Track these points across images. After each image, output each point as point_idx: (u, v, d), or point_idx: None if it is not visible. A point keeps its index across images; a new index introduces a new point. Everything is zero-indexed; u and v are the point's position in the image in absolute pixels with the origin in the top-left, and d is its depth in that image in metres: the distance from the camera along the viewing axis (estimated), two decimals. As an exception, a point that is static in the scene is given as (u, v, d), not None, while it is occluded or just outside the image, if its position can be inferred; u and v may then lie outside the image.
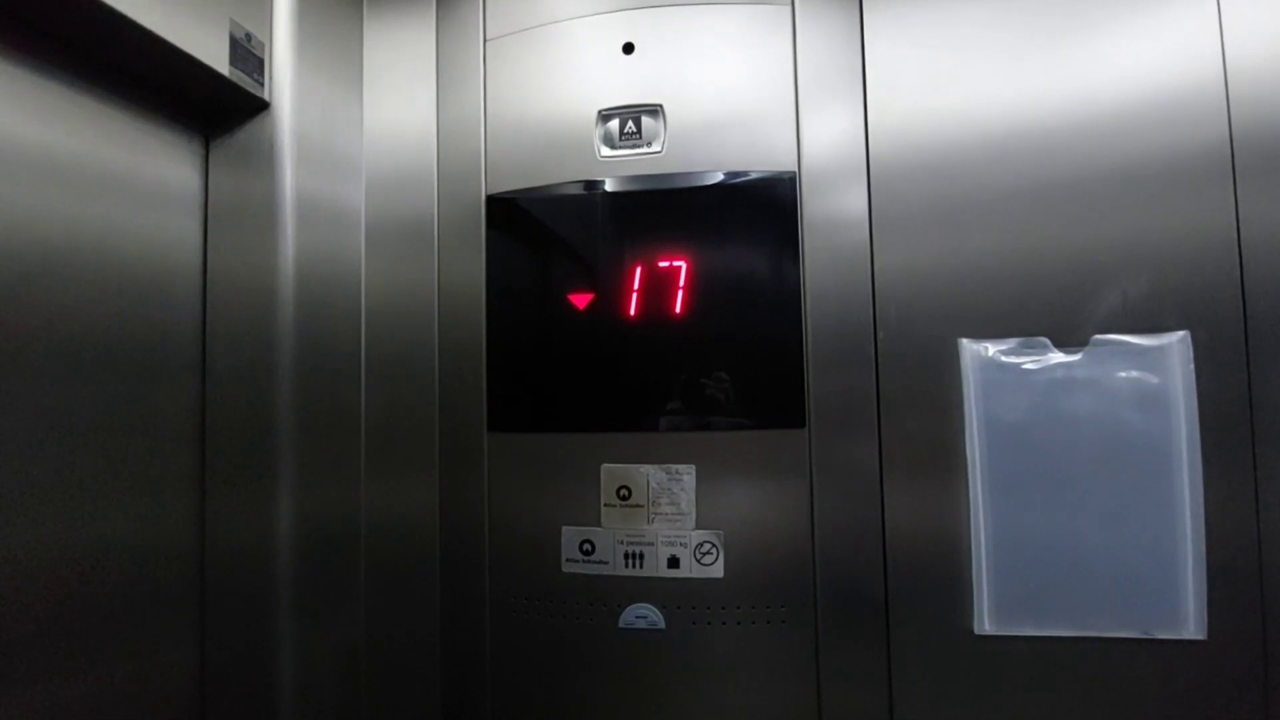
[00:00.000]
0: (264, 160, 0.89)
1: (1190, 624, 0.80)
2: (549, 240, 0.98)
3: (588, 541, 0.93)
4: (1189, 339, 0.81)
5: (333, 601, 0.94)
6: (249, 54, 0.85)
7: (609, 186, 0.95)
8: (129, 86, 0.81)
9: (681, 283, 0.92)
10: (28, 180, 0.70)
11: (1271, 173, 0.80)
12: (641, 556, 0.92)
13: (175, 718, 0.84)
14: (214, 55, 0.80)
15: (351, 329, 0.99)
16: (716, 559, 0.90)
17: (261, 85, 0.88)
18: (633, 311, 0.93)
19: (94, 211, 0.77)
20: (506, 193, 0.98)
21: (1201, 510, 0.80)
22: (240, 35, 0.84)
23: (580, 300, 0.94)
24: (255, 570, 0.87)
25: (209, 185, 0.90)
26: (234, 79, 0.83)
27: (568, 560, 0.94)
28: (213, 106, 0.89)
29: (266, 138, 0.89)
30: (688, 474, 0.91)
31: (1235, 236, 0.81)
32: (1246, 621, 0.79)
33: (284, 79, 0.90)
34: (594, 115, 0.96)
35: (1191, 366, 0.81)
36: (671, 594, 0.91)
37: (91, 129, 0.77)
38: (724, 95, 0.94)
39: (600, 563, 0.93)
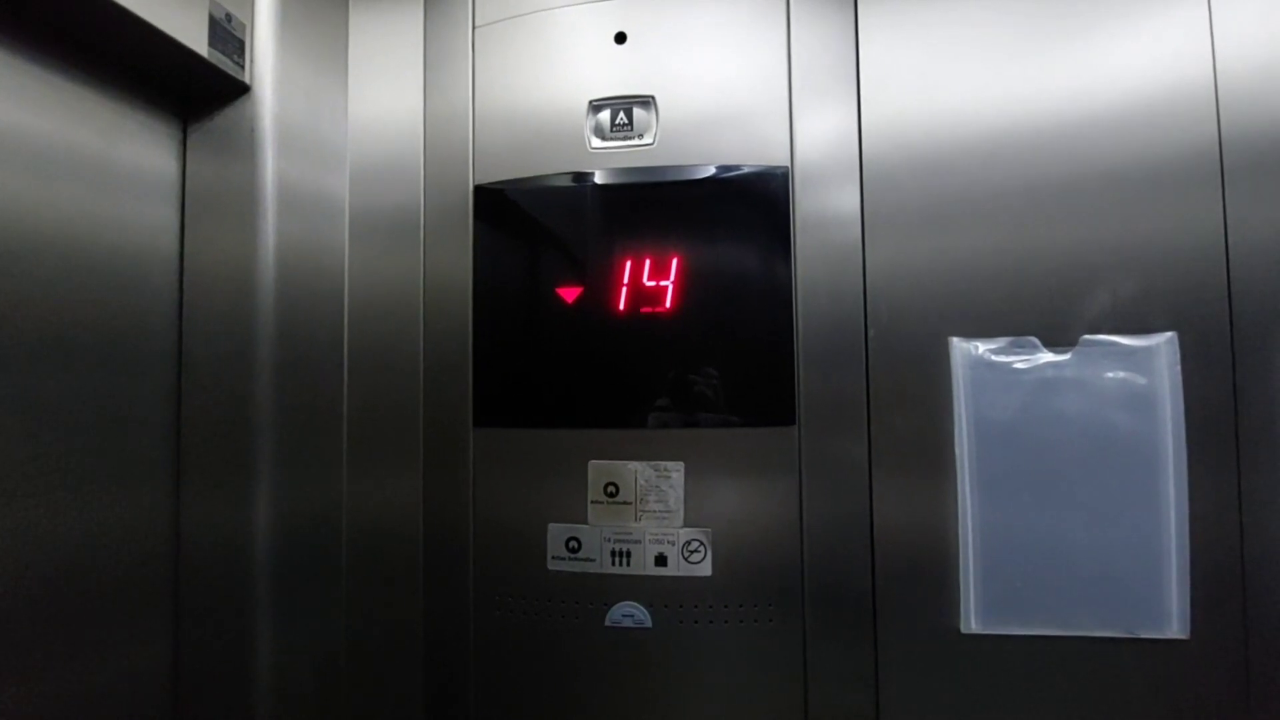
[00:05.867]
0: (244, 145, 0.86)
1: (1174, 623, 0.81)
2: (537, 232, 0.96)
3: (574, 539, 0.92)
4: (1176, 340, 0.81)
5: (313, 599, 0.92)
6: (229, 35, 0.83)
7: (599, 178, 0.93)
8: (103, 67, 0.78)
9: (672, 277, 0.91)
10: (-6, 161, 0.67)
11: (1260, 176, 0.81)
12: (629, 554, 0.91)
13: (149, 717, 0.82)
14: (192, 35, 0.78)
15: (334, 320, 0.96)
16: (704, 557, 0.90)
17: (242, 68, 0.85)
18: (622, 306, 0.91)
19: (66, 196, 0.74)
20: (494, 183, 0.96)
21: (1186, 510, 0.80)
22: (220, 15, 0.81)
23: (569, 294, 0.93)
24: (232, 566, 0.85)
25: (187, 171, 0.88)
26: (213, 60, 0.80)
27: (554, 558, 0.92)
28: (191, 89, 0.86)
29: (246, 122, 0.86)
30: (676, 471, 0.90)
31: (1223, 239, 0.81)
32: (1229, 621, 0.79)
33: (265, 62, 0.87)
34: (585, 106, 0.94)
35: (1179, 367, 0.81)
36: (658, 592, 0.90)
37: (64, 111, 0.74)
38: (717, 88, 0.92)
39: (587, 560, 0.91)
